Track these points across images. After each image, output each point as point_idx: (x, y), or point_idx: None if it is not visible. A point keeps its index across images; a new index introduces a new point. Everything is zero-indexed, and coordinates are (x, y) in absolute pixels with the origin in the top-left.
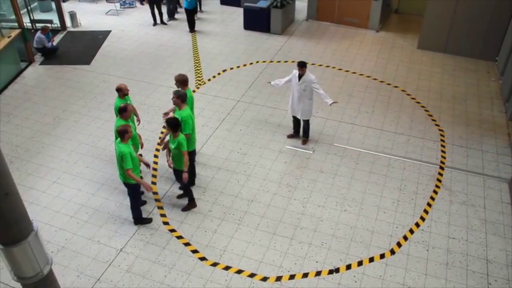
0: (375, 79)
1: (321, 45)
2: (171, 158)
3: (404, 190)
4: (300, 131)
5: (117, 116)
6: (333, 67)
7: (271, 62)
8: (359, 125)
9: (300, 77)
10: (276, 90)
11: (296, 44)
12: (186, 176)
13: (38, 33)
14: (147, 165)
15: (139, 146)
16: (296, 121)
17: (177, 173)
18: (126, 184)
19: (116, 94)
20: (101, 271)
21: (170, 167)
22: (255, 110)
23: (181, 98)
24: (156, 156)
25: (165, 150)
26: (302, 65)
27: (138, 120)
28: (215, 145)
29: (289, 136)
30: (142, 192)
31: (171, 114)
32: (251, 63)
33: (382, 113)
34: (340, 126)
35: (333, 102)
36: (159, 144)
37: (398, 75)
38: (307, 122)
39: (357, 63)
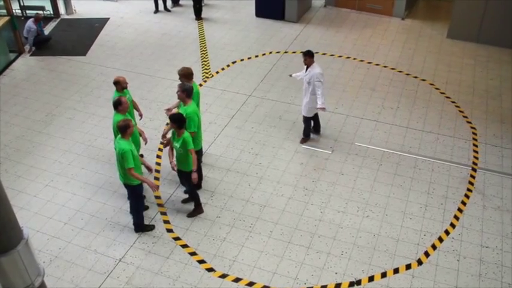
0: (400, 71)
1: (340, 34)
2: (174, 159)
3: (433, 194)
4: (317, 127)
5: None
6: (354, 58)
7: (285, 52)
8: (383, 122)
9: (306, 68)
10: (291, 83)
11: (313, 32)
12: (195, 177)
13: (29, 22)
14: (149, 168)
15: (140, 144)
16: (311, 120)
17: (182, 175)
18: (126, 186)
19: (114, 88)
20: (98, 283)
21: (174, 170)
22: (268, 105)
23: (187, 92)
24: (159, 156)
25: (168, 149)
26: (308, 54)
27: (140, 115)
28: (224, 144)
29: (301, 140)
30: (144, 196)
31: (174, 111)
32: (263, 54)
33: (408, 109)
34: (362, 123)
35: (321, 108)
36: (161, 142)
37: (426, 68)
38: (305, 120)
39: (381, 54)
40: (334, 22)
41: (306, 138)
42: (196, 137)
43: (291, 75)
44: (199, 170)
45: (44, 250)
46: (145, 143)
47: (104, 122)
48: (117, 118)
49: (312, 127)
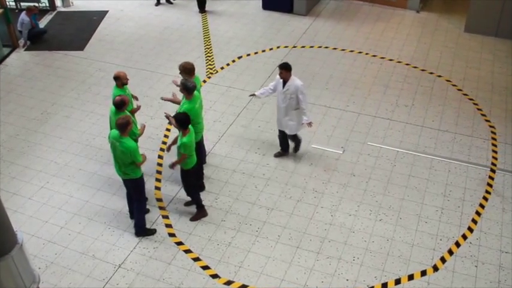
0: (415, 67)
1: (352, 28)
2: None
3: (449, 196)
4: (291, 145)
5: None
6: (366, 53)
7: (294, 47)
8: (396, 121)
9: (284, 83)
10: (300, 80)
11: (323, 26)
12: (173, 163)
13: (22, 14)
14: (142, 127)
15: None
16: (283, 136)
17: (181, 174)
18: (129, 181)
19: (114, 83)
20: None
21: (172, 168)
22: (275, 103)
23: (189, 90)
24: (160, 156)
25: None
26: (285, 68)
27: (137, 106)
28: (229, 144)
29: (277, 155)
30: (146, 198)
31: (176, 110)
32: (271, 49)
33: (424, 107)
34: (375, 122)
35: (308, 123)
36: (166, 150)
37: (443, 63)
38: (295, 137)
39: (394, 48)
40: (345, 15)
41: (282, 153)
42: (196, 128)
43: (253, 95)
44: (200, 170)
45: (39, 255)
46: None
47: (103, 120)
48: (117, 115)
49: (283, 144)
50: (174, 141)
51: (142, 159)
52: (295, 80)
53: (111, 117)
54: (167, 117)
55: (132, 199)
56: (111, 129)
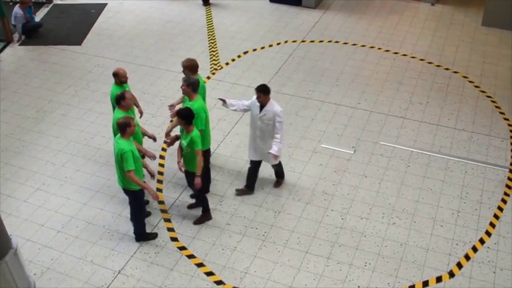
0: (430, 63)
1: (363, 22)
2: (182, 159)
3: (466, 199)
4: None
5: (114, 107)
6: (379, 48)
7: (302, 41)
8: (410, 119)
9: (262, 107)
10: (309, 76)
11: (333, 19)
12: (198, 182)
13: (15, 8)
14: (152, 174)
15: (142, 144)
16: (254, 168)
17: (189, 176)
18: (126, 191)
19: (113, 80)
20: None
21: (181, 170)
22: (283, 100)
23: (193, 86)
24: (162, 157)
25: (178, 147)
26: (263, 91)
27: (140, 112)
28: (234, 144)
29: (238, 192)
30: (147, 202)
31: (178, 107)
32: (278, 44)
33: (439, 105)
34: (388, 120)
35: (275, 156)
36: (165, 142)
37: (459, 58)
38: (277, 165)
39: (408, 43)
40: (357, 8)
41: (283, 180)
42: (203, 135)
43: (223, 103)
44: (206, 172)
45: (34, 261)
46: (154, 140)
47: (101, 118)
48: (117, 115)
49: (250, 179)
50: (172, 141)
51: (151, 193)
52: (274, 105)
53: (114, 122)
54: (172, 110)
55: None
56: (115, 135)
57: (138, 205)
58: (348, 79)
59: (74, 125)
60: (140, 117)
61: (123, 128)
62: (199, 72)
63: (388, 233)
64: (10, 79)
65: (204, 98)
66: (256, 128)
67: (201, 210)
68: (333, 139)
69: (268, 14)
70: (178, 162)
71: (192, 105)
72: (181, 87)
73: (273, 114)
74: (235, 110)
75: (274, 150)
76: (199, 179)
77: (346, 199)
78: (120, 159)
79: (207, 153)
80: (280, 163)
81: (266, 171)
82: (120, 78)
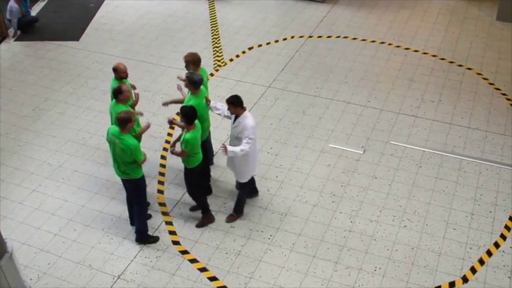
0: (443, 59)
1: (373, 16)
2: (177, 146)
3: (480, 201)
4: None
5: (113, 99)
6: (389, 44)
7: (310, 37)
8: (422, 118)
9: (235, 117)
10: (316, 73)
11: (342, 14)
12: (172, 151)
13: (11, 2)
14: (147, 125)
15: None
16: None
17: (185, 173)
18: (129, 181)
19: (113, 76)
20: None
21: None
22: (289, 98)
23: (195, 84)
24: (163, 157)
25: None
26: (231, 102)
27: (135, 96)
28: None
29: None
30: (148, 204)
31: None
32: (285, 39)
33: (452, 103)
34: (399, 119)
35: (225, 150)
36: (171, 151)
37: (473, 54)
38: (240, 186)
39: (420, 38)
40: (367, 2)
41: (238, 215)
42: (203, 126)
43: (208, 103)
44: (206, 170)
45: (30, 265)
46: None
47: (100, 117)
48: (117, 109)
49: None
50: (179, 138)
51: (144, 158)
52: (246, 118)
53: (111, 111)
54: (171, 122)
55: (133, 202)
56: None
57: (143, 193)
58: (357, 76)
59: (71, 123)
60: (141, 116)
61: (124, 123)
62: (203, 67)
63: (399, 237)
64: (5, 76)
65: (206, 86)
66: (231, 138)
67: (201, 211)
68: (341, 138)
69: (274, 8)
70: (171, 146)
71: (190, 99)
72: (184, 84)
73: (242, 127)
74: (219, 114)
75: (230, 147)
76: (174, 152)
77: (355, 201)
78: (130, 153)
79: (207, 148)
80: (243, 187)
81: (273, 171)
82: (119, 73)
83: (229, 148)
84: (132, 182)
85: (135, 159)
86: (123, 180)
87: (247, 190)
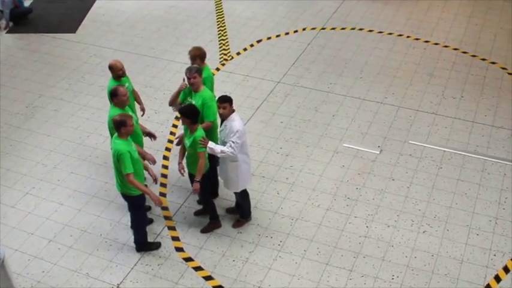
0: (465, 52)
1: (390, 6)
2: (184, 161)
3: (505, 204)
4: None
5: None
6: (408, 36)
7: (322, 29)
8: (443, 116)
9: (222, 119)
10: (329, 67)
11: (357, 4)
12: (197, 187)
13: None
14: (154, 178)
15: (143, 144)
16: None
17: (193, 180)
18: (125, 196)
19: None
20: None
21: (181, 173)
22: (301, 94)
23: (199, 73)
24: (166, 157)
25: (180, 147)
26: (222, 101)
27: (142, 110)
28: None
29: (229, 210)
30: (149, 207)
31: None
32: (295, 31)
33: (475, 99)
34: (418, 116)
35: (207, 145)
36: (175, 144)
37: (497, 48)
38: (240, 195)
39: (440, 30)
40: None
41: (246, 220)
42: (214, 128)
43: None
44: (214, 174)
45: (23, 273)
46: (154, 138)
47: (98, 115)
48: (113, 112)
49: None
50: (181, 140)
51: (153, 198)
52: (233, 121)
53: (109, 120)
54: (179, 143)
55: None
56: (111, 135)
57: (139, 212)
58: (373, 71)
59: (67, 122)
60: (142, 115)
61: (119, 126)
62: (207, 62)
63: (418, 243)
64: None
65: (212, 91)
66: (220, 142)
67: (209, 217)
68: (356, 138)
69: None
70: (179, 164)
71: (201, 95)
72: (188, 76)
73: (229, 130)
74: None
75: (211, 142)
76: (197, 185)
77: (371, 205)
78: (117, 161)
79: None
80: (243, 195)
81: (283, 173)
82: (116, 71)
83: (210, 144)
84: (127, 198)
85: (122, 169)
86: (121, 194)
87: (246, 195)
